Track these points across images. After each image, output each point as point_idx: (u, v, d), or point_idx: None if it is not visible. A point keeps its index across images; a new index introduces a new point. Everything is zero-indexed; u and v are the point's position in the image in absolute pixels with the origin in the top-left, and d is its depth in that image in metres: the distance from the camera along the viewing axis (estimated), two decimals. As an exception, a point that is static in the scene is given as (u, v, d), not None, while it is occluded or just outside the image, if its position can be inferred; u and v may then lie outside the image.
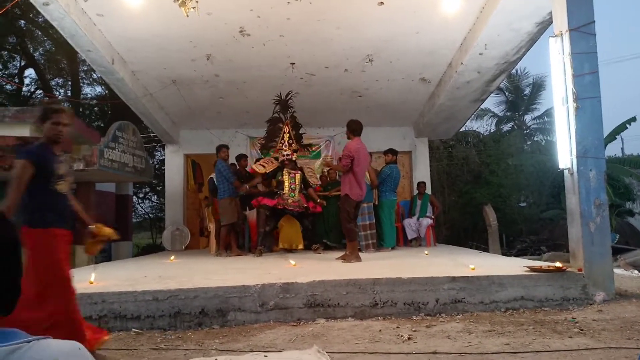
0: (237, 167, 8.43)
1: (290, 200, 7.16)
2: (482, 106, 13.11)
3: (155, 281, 4.51)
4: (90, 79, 17.11)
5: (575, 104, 4.45)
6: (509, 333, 3.35)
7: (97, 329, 3.13)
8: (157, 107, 9.24)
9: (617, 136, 12.47)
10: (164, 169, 12.67)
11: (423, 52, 7.49)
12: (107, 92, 15.41)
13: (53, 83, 17.35)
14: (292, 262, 5.75)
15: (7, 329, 0.81)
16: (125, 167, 8.74)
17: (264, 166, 7.36)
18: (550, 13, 5.34)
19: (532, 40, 6.77)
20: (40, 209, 2.76)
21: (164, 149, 12.79)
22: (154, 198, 19.33)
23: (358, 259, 5.88)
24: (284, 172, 7.27)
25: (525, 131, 19.90)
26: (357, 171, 5.96)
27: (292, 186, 7.21)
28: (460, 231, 15.21)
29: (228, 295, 3.95)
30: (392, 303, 4.05)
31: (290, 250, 7.64)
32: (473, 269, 4.56)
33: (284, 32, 6.75)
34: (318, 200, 7.49)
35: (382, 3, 6.00)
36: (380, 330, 3.52)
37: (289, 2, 5.94)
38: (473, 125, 19.66)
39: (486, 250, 10.92)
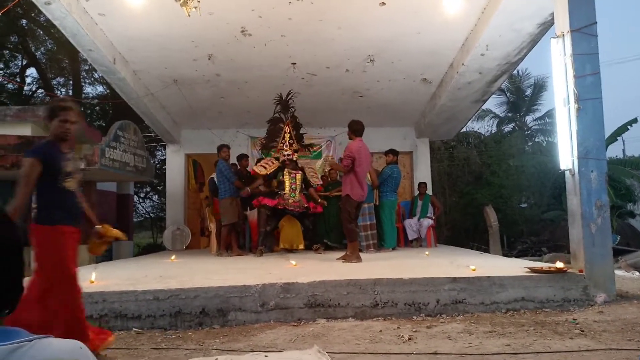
0: (238, 167, 8.43)
1: (290, 201, 7.16)
2: (484, 107, 13.09)
3: (156, 281, 4.51)
4: (92, 79, 17.16)
5: (576, 105, 4.45)
6: (509, 334, 3.35)
7: (102, 330, 3.13)
8: (158, 106, 9.25)
9: (618, 137, 12.47)
10: (165, 169, 12.69)
11: (424, 53, 7.49)
12: (108, 91, 15.44)
13: (54, 82, 17.39)
14: (293, 262, 5.75)
15: (9, 328, 0.81)
16: (127, 167, 8.74)
17: (265, 167, 7.35)
18: (552, 14, 5.34)
19: (534, 41, 6.77)
20: (48, 206, 2.77)
21: (165, 149, 12.80)
22: (155, 197, 19.35)
23: (359, 260, 5.87)
24: (284, 172, 7.27)
25: (526, 132, 19.91)
26: (358, 171, 5.95)
27: (292, 186, 7.20)
28: (461, 232, 15.21)
29: (229, 295, 3.95)
30: (393, 303, 4.04)
31: (291, 250, 7.64)
32: (474, 270, 4.55)
33: (286, 32, 6.75)
34: (319, 201, 7.49)
35: (383, 3, 6.00)
36: (380, 331, 3.52)
37: (290, 2, 5.94)
38: (474, 126, 19.70)
39: (487, 251, 10.92)
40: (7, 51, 16.16)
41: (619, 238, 10.61)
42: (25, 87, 16.61)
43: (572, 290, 4.22)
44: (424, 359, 2.88)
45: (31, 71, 17.26)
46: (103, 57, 6.82)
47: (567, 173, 4.60)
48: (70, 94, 16.49)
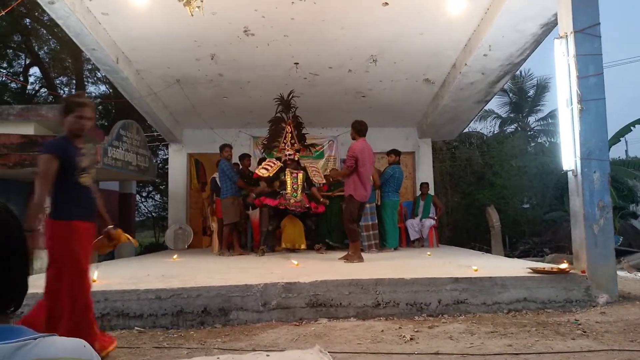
0: (240, 166, 8.44)
1: (292, 201, 7.16)
2: (486, 107, 13.09)
3: (158, 280, 4.53)
4: (95, 78, 17.19)
5: (579, 106, 4.44)
6: (511, 334, 3.35)
7: (107, 337, 3.12)
8: (161, 106, 9.27)
9: (621, 138, 12.44)
10: (167, 168, 12.71)
11: (427, 53, 7.48)
12: (111, 91, 15.47)
13: (57, 82, 17.42)
14: (295, 261, 5.75)
15: (14, 326, 0.81)
16: (129, 166, 8.76)
17: (267, 169, 7.34)
18: (555, 15, 5.33)
19: (537, 41, 6.76)
20: (63, 202, 2.78)
21: (167, 148, 12.82)
22: (157, 197, 19.38)
23: (360, 259, 5.88)
24: (286, 172, 7.28)
25: (528, 133, 19.88)
26: (362, 172, 5.95)
27: (294, 186, 7.21)
28: (463, 232, 15.19)
29: (230, 295, 3.96)
30: (395, 303, 4.04)
31: (292, 250, 7.64)
32: (476, 270, 4.55)
33: (288, 32, 6.75)
34: (321, 200, 7.48)
35: (386, 4, 6.00)
36: (382, 331, 3.52)
37: (293, 2, 5.94)
38: (477, 126, 19.70)
39: (489, 251, 10.91)
40: (11, 50, 16.20)
41: (621, 239, 10.60)
42: (29, 86, 16.64)
43: (574, 291, 4.22)
44: (425, 359, 2.88)
45: (34, 70, 17.34)
46: (106, 57, 6.83)
47: (569, 174, 4.59)
48: (73, 93, 16.53)
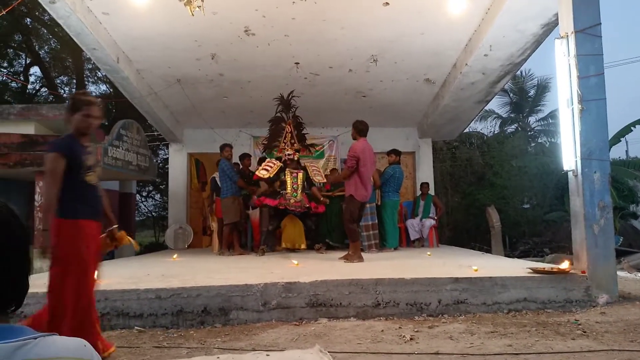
0: (241, 166, 8.44)
1: (292, 201, 7.16)
2: (486, 107, 13.08)
3: (158, 279, 4.53)
4: (95, 77, 17.19)
5: (580, 106, 4.44)
6: (511, 334, 3.35)
7: (106, 341, 3.12)
8: (161, 105, 9.27)
9: (621, 139, 12.43)
10: (167, 168, 12.70)
11: (428, 53, 7.48)
12: (111, 90, 15.47)
13: (58, 81, 17.43)
14: (295, 261, 5.75)
15: (14, 325, 0.81)
16: (129, 166, 8.76)
17: (267, 170, 7.33)
18: (556, 14, 5.33)
19: (538, 41, 6.76)
20: (70, 200, 2.77)
21: (167, 148, 12.82)
22: (157, 196, 19.38)
23: (360, 259, 5.88)
24: (286, 171, 7.27)
25: (529, 133, 19.88)
26: (362, 172, 5.94)
27: (294, 186, 7.20)
28: (463, 232, 15.18)
29: (230, 294, 3.96)
30: (395, 303, 4.05)
31: (292, 249, 7.64)
32: (476, 270, 4.55)
33: (289, 32, 6.75)
34: (321, 199, 7.47)
35: (387, 3, 6.00)
36: (382, 331, 3.52)
37: (294, 2, 5.94)
38: (477, 126, 19.70)
39: (489, 251, 10.91)
40: (11, 50, 16.19)
41: (621, 239, 10.60)
42: (29, 86, 16.65)
43: (574, 291, 4.22)
44: (425, 359, 2.88)
45: (35, 70, 17.34)
46: (107, 56, 6.83)
47: (570, 174, 4.59)
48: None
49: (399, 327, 3.61)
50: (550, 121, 19.01)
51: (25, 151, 7.32)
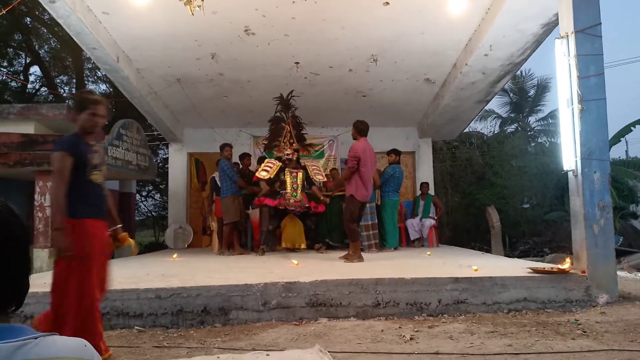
0: (241, 166, 8.44)
1: (292, 201, 7.15)
2: (486, 107, 13.08)
3: (158, 279, 4.53)
4: (95, 77, 17.18)
5: (580, 106, 4.44)
6: (511, 334, 3.35)
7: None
8: (161, 105, 9.27)
9: (621, 138, 12.44)
10: (167, 167, 12.70)
11: (428, 53, 7.48)
12: (111, 90, 15.45)
13: (58, 80, 17.43)
14: (295, 261, 5.75)
15: (15, 325, 0.81)
16: (129, 165, 8.76)
17: (267, 171, 7.32)
18: (556, 14, 5.33)
19: (538, 41, 6.76)
20: (75, 199, 2.77)
21: (167, 147, 12.81)
22: (157, 196, 19.38)
23: (360, 259, 5.88)
24: (285, 171, 7.27)
25: (529, 133, 19.89)
26: (363, 172, 5.94)
27: (294, 185, 7.20)
28: (463, 232, 15.19)
29: (230, 294, 3.96)
30: (395, 303, 4.05)
31: (292, 249, 7.65)
32: (476, 270, 4.55)
33: (289, 32, 6.75)
34: (322, 198, 7.47)
35: (387, 3, 6.00)
36: (382, 330, 3.52)
37: (294, 2, 5.94)
38: (477, 126, 19.70)
39: (489, 251, 10.92)
40: (11, 49, 16.19)
41: (621, 239, 10.61)
42: (29, 85, 16.65)
43: (574, 291, 4.22)
44: (425, 359, 2.88)
45: (35, 69, 17.34)
46: (106, 56, 6.83)
47: (570, 174, 4.59)
48: (74, 92, 16.53)
49: (399, 327, 3.61)
50: (550, 121, 19.01)
51: (25, 151, 7.31)
